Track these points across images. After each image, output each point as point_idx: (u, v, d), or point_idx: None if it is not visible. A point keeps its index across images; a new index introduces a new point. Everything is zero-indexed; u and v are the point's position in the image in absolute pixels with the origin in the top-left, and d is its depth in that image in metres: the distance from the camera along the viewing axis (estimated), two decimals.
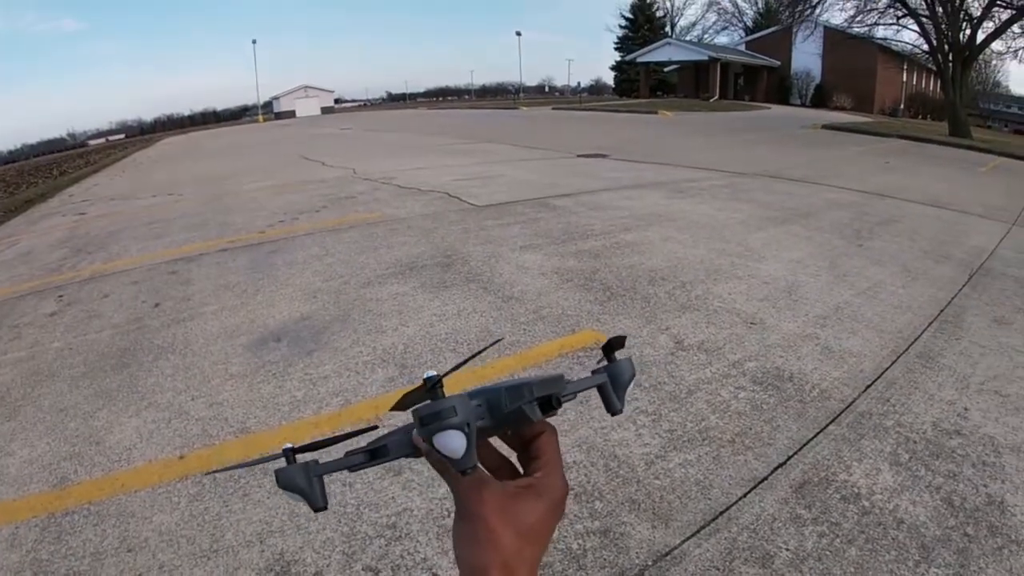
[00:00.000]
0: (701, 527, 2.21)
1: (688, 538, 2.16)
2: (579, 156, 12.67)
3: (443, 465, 0.51)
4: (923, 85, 44.61)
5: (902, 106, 41.11)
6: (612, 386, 0.61)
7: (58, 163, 23.99)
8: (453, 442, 0.46)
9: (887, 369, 3.39)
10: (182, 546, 2.17)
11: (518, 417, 0.53)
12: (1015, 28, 20.52)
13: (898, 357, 3.53)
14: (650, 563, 2.05)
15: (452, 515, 0.53)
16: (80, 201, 10.41)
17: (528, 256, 5.29)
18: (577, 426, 2.81)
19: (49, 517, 2.35)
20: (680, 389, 3.15)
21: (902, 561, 2.05)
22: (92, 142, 64.54)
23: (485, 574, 0.48)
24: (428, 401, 0.48)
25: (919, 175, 11.29)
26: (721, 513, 2.28)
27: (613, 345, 0.63)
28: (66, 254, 6.31)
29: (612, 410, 0.61)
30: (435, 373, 0.49)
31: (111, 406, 3.14)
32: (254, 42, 74.09)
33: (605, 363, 0.63)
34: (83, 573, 2.07)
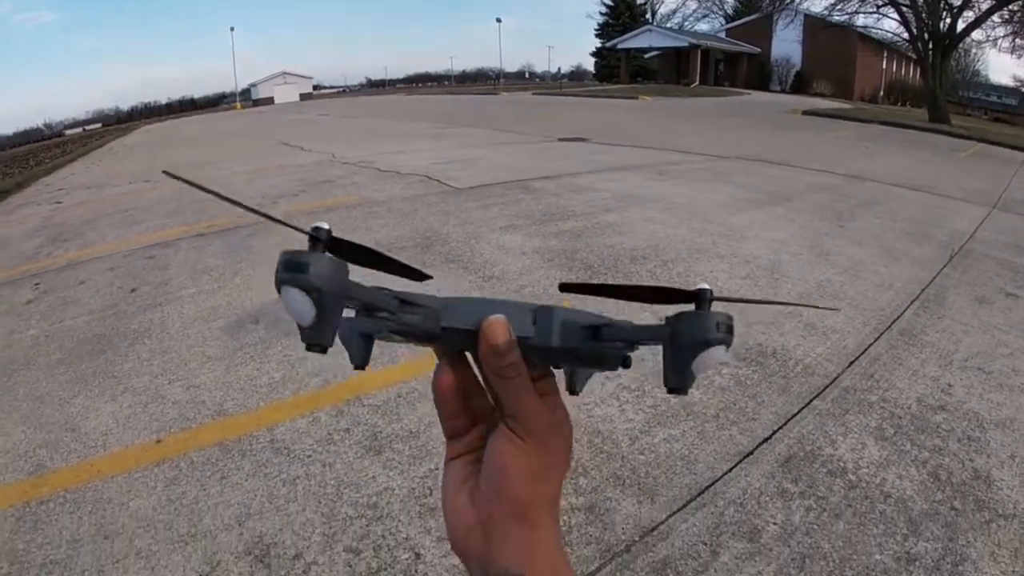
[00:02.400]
0: (687, 502, 2.19)
1: (674, 513, 2.14)
2: (559, 140, 12.61)
3: (510, 368, 0.44)
4: (903, 73, 44.93)
5: (882, 93, 41.41)
6: (673, 346, 0.42)
7: (34, 153, 23.54)
8: (299, 305, 0.37)
9: (870, 345, 3.39)
10: (159, 531, 2.12)
11: (594, 358, 0.46)
12: (995, 17, 20.77)
13: (881, 334, 3.53)
14: (636, 539, 2.03)
15: (435, 493, 0.48)
16: (57, 190, 10.21)
17: (509, 237, 5.25)
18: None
19: (25, 506, 2.28)
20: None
21: (890, 535, 2.04)
22: (69, 132, 63.63)
23: (536, 507, 0.44)
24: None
25: (899, 160, 11.37)
26: (707, 488, 2.26)
27: (704, 295, 0.42)
28: (42, 242, 6.18)
29: (666, 383, 0.43)
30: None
31: (87, 392, 3.06)
32: (232, 29, 73.28)
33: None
34: (60, 562, 2.01)
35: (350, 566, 1.95)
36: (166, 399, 2.94)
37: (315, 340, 0.38)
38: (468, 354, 0.48)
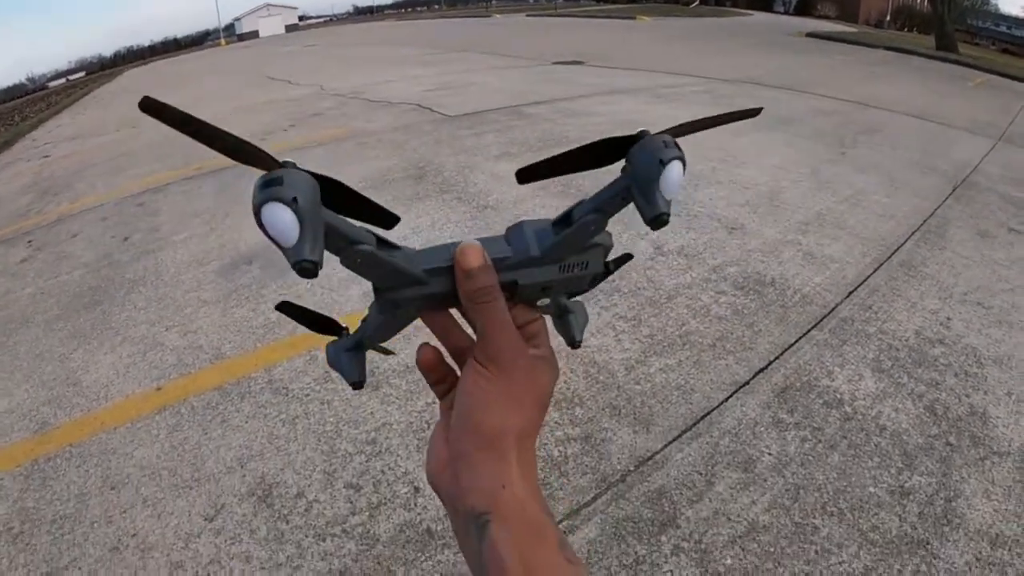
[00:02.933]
0: (682, 432, 2.21)
1: (670, 443, 2.16)
2: (555, 63, 12.28)
3: (483, 292, 0.43)
4: None
5: (888, 18, 40.13)
6: (636, 183, 0.43)
7: (19, 109, 23.01)
8: (281, 219, 0.35)
9: (869, 276, 3.37)
10: (164, 478, 2.15)
11: (578, 262, 0.46)
12: None
13: (881, 265, 3.50)
14: (632, 468, 2.05)
15: (432, 427, 0.46)
16: (44, 144, 10.01)
17: (503, 165, 5.16)
18: (553, 334, 2.77)
19: (32, 464, 2.31)
20: (660, 294, 3.11)
21: (885, 468, 2.06)
22: (52, 83, 62.51)
23: (502, 438, 0.43)
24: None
25: (904, 86, 11.07)
26: (702, 418, 2.28)
27: (630, 140, 0.44)
28: (32, 199, 6.09)
29: (644, 217, 0.43)
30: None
31: (86, 345, 3.06)
32: None
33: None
34: (69, 516, 2.04)
35: (351, 502, 1.98)
36: (164, 346, 2.94)
37: (303, 256, 0.35)
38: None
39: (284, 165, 0.37)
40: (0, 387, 2.84)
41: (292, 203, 0.35)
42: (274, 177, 0.35)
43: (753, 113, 0.47)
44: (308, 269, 0.35)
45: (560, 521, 1.87)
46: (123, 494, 2.11)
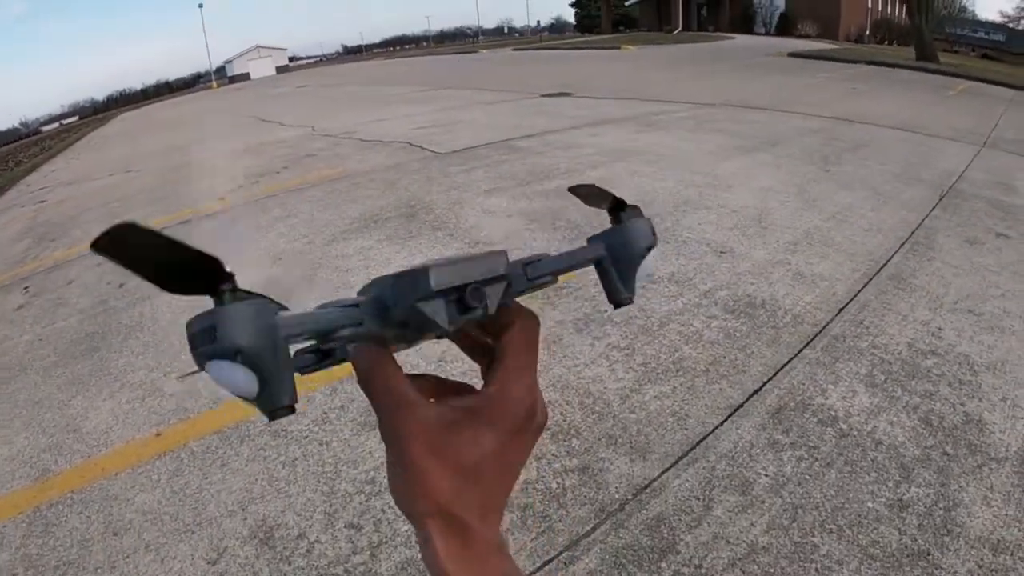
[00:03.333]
0: (679, 458, 2.22)
1: (667, 470, 2.17)
2: (542, 96, 12.44)
3: (365, 380, 0.40)
4: (889, 11, 44.16)
5: (868, 32, 40.76)
6: (614, 261, 0.42)
7: (13, 154, 23.13)
8: (230, 377, 0.30)
9: (859, 292, 3.40)
10: (166, 523, 2.16)
11: (419, 322, 0.37)
12: None
13: (870, 279, 3.54)
14: (630, 497, 2.06)
15: None
16: (39, 189, 10.09)
17: (494, 200, 5.22)
18: (550, 365, 2.80)
19: (35, 511, 2.31)
20: (652, 322, 3.14)
21: (882, 482, 2.08)
22: (46, 128, 63.16)
23: (420, 524, 0.38)
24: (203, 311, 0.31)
25: (887, 100, 11.25)
26: (698, 443, 2.29)
27: (620, 205, 0.44)
28: (29, 245, 6.13)
29: (614, 298, 0.43)
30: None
31: (85, 392, 3.07)
32: (200, 6, 71.17)
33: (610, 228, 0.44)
34: (72, 562, 2.04)
35: (352, 541, 1.99)
36: (163, 392, 2.96)
37: (278, 406, 0.31)
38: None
39: (222, 285, 0.31)
40: (0, 435, 2.85)
41: (236, 357, 0.30)
42: (204, 327, 0.30)
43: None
44: (285, 413, 0.31)
45: (560, 553, 1.88)
46: (126, 539, 2.11)
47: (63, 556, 2.07)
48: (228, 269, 0.31)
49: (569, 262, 0.43)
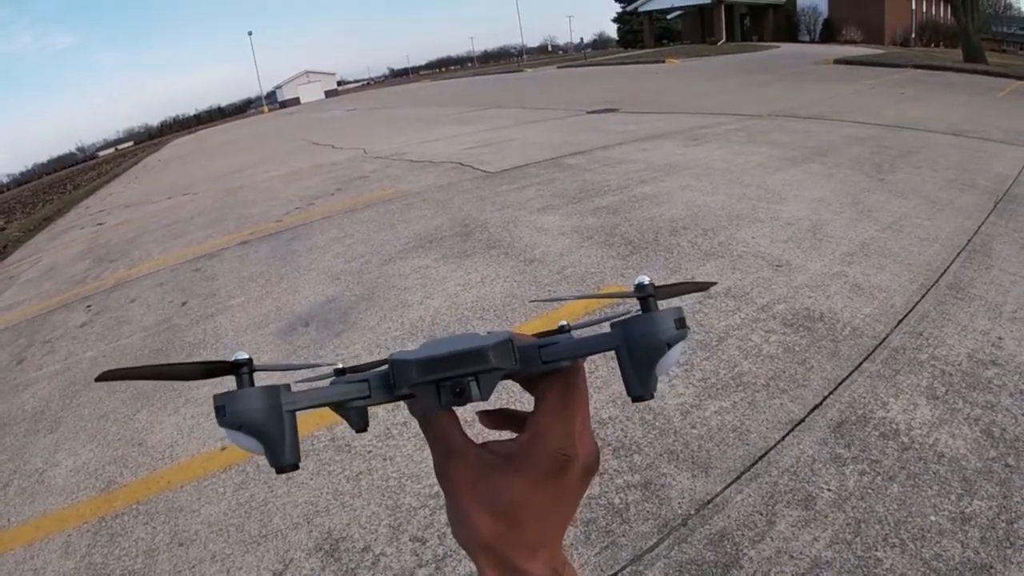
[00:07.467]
0: (741, 473, 2.21)
1: (729, 485, 2.16)
2: (589, 112, 12.48)
3: (422, 428, 0.45)
4: (933, 12, 43.20)
5: (913, 35, 39.84)
6: (631, 352, 0.41)
7: (71, 177, 24.12)
8: (240, 441, 0.39)
9: (918, 302, 3.34)
10: (232, 534, 2.23)
11: (424, 398, 0.43)
12: None
13: (928, 290, 3.47)
14: (692, 512, 2.06)
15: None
16: (97, 211, 10.51)
17: (546, 218, 5.26)
18: (610, 382, 2.81)
19: (100, 521, 2.41)
20: (710, 337, 3.13)
21: (945, 495, 2.04)
22: (102, 153, 65.72)
23: (473, 558, 0.42)
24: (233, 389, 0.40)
25: (936, 104, 10.98)
26: (760, 458, 2.28)
27: (652, 293, 0.42)
28: (89, 265, 6.39)
29: (630, 393, 0.42)
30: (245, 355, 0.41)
31: (149, 407, 3.20)
32: (250, 34, 73.26)
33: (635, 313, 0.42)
34: (138, 572, 2.13)
35: (417, 555, 2.03)
36: None
37: (281, 463, 0.39)
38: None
39: (235, 369, 0.40)
40: (67, 447, 2.98)
41: (240, 428, 0.38)
42: (218, 407, 0.39)
43: (706, 285, 0.48)
44: (289, 469, 0.40)
45: (623, 567, 1.89)
46: (191, 550, 2.18)
47: (128, 566, 2.16)
48: (243, 356, 0.40)
49: (586, 348, 0.42)
